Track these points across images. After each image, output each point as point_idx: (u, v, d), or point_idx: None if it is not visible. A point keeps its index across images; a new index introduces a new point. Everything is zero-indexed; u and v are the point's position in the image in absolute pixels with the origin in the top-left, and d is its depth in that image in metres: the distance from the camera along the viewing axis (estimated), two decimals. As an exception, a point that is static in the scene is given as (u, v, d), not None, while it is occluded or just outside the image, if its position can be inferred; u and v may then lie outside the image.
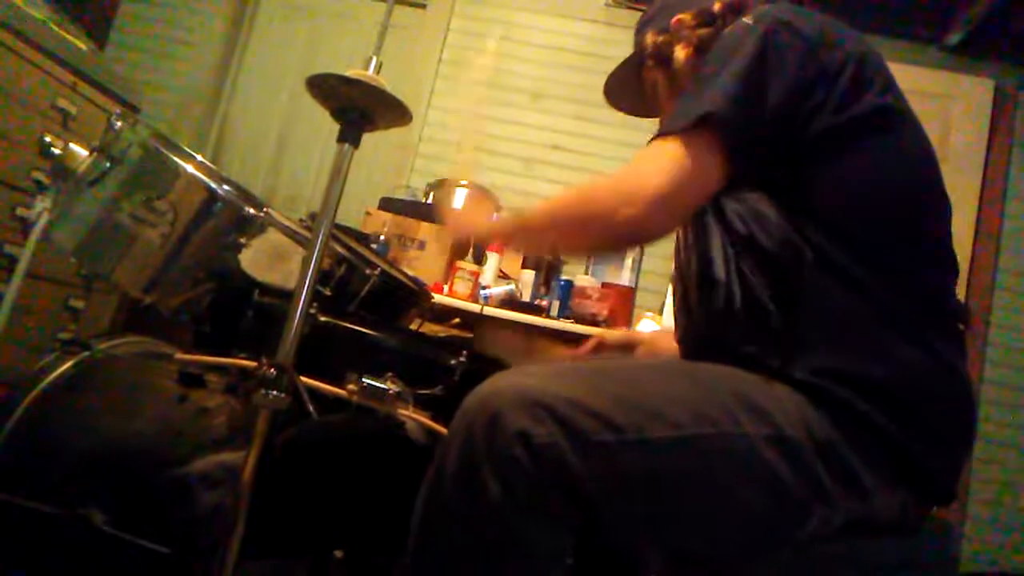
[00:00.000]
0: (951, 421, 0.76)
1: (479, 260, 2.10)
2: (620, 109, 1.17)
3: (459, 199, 2.34)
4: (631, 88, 1.10)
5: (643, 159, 0.78)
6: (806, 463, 0.69)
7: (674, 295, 0.98)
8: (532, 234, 0.93)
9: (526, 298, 2.11)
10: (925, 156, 0.82)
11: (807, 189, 0.77)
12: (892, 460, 0.71)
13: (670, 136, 0.77)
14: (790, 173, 0.77)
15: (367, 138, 0.86)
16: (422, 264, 2.13)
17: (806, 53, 0.77)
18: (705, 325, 0.85)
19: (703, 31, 0.95)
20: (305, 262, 0.81)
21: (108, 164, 1.09)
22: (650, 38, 1.02)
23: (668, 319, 1.99)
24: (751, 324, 0.78)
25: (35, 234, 1.15)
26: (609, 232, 0.80)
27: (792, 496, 0.69)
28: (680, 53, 0.97)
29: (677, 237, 0.95)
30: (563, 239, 0.88)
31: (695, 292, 0.86)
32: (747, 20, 0.81)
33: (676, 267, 0.95)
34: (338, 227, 1.37)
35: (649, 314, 2.12)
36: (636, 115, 1.17)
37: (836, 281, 0.74)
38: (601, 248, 0.88)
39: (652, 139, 0.80)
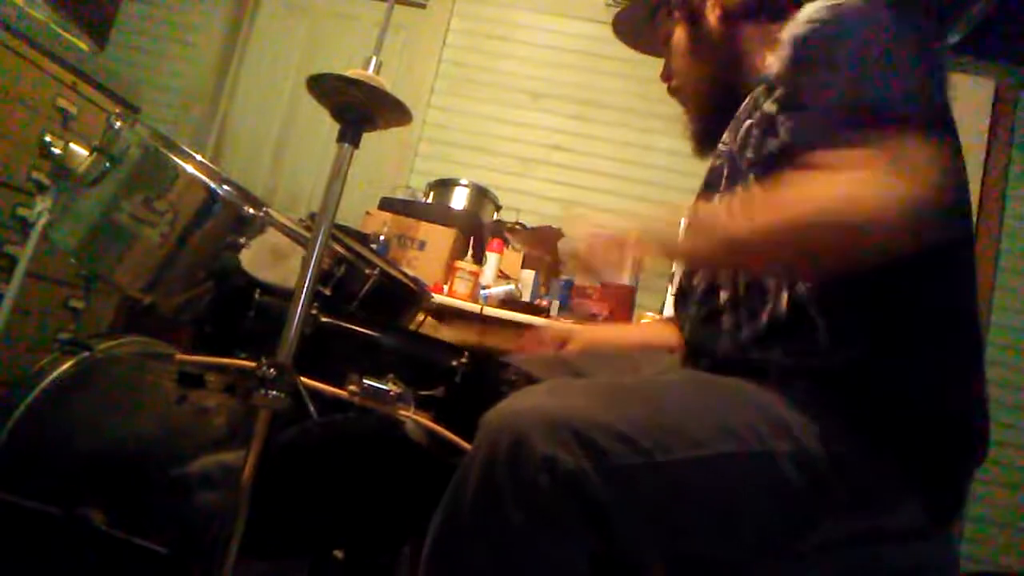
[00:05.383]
0: (969, 439, 0.75)
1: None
2: (624, 41, 1.14)
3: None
4: (642, 24, 1.07)
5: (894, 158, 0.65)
6: (822, 478, 0.68)
7: (688, 300, 0.95)
8: (756, 250, 0.73)
9: (526, 298, 2.11)
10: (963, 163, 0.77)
11: None
12: (907, 475, 0.71)
13: (896, 128, 0.65)
14: None
15: (367, 138, 0.86)
16: (422, 264, 2.13)
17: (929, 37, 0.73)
18: (737, 336, 0.81)
19: None
20: (305, 262, 0.81)
21: (108, 164, 1.08)
22: None
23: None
24: (793, 337, 0.75)
25: (35, 234, 1.14)
26: (872, 239, 0.66)
27: (805, 509, 0.68)
28: (711, 14, 0.94)
29: None
30: (807, 253, 0.70)
31: (730, 296, 0.82)
32: None
33: (700, 273, 0.91)
34: (338, 227, 1.37)
35: (650, 314, 2.12)
36: (638, 50, 1.13)
37: (871, 296, 0.72)
38: (850, 260, 0.69)
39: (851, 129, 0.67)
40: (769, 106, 0.80)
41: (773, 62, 0.82)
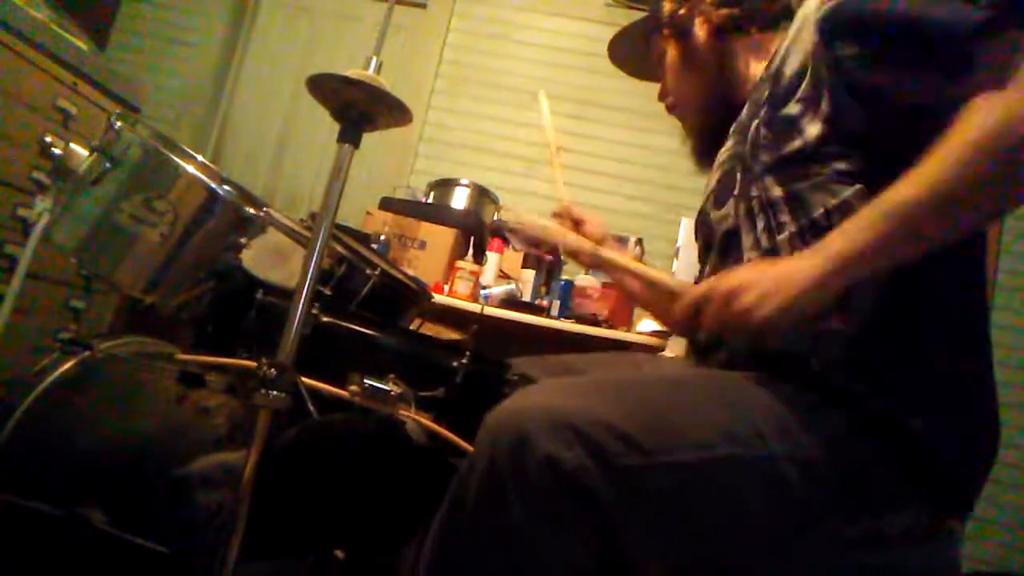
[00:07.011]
0: (981, 443, 0.76)
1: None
2: (622, 68, 1.16)
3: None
4: (637, 49, 1.08)
5: None
6: (824, 480, 0.68)
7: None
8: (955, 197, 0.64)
9: (526, 298, 2.11)
10: None
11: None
12: (916, 480, 0.70)
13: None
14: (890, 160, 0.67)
15: (367, 138, 0.86)
16: (422, 264, 2.13)
17: None
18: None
19: (725, 11, 0.92)
20: (305, 262, 0.81)
21: (108, 164, 1.08)
22: (668, 5, 0.99)
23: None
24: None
25: (35, 234, 1.14)
26: None
27: (806, 511, 0.68)
28: (700, 30, 0.95)
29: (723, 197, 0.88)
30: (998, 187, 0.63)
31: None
32: None
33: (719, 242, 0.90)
34: (338, 227, 1.37)
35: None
36: (636, 77, 1.15)
37: (886, 295, 0.71)
38: None
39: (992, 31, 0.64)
40: (792, 107, 0.79)
41: (790, 57, 0.81)
